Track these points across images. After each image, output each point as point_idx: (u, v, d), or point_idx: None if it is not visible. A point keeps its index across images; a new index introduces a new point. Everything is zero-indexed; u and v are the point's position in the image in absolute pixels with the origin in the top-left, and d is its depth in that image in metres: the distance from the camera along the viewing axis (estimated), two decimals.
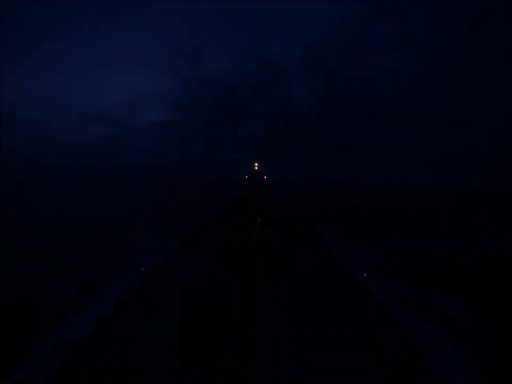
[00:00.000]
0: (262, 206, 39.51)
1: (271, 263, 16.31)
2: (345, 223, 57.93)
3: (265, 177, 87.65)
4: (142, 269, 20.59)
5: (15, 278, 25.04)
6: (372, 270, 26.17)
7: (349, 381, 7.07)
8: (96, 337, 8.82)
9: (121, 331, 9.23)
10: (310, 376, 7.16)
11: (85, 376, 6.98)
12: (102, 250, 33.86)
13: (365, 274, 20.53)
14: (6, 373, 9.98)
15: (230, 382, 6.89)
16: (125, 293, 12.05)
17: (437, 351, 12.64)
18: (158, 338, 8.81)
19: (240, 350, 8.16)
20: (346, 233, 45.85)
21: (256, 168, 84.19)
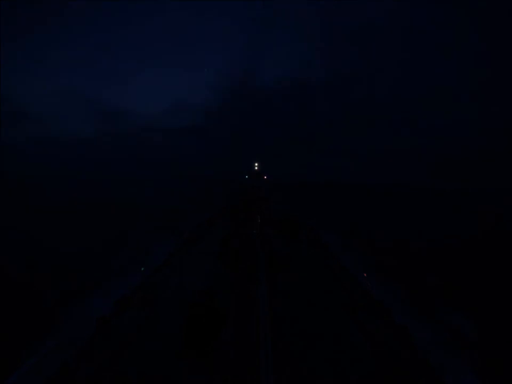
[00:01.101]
0: (262, 206, 39.53)
1: (271, 263, 16.30)
2: (344, 223, 57.90)
3: (265, 177, 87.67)
4: (143, 268, 20.56)
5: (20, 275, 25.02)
6: (371, 270, 26.17)
7: (348, 380, 7.06)
8: (97, 337, 8.81)
9: (122, 331, 9.22)
10: (310, 376, 7.16)
11: (85, 376, 6.98)
12: (102, 250, 33.80)
13: (364, 274, 20.50)
14: (6, 373, 9.98)
15: (230, 382, 6.88)
16: (125, 293, 12.04)
17: (437, 351, 12.64)
18: (159, 338, 8.80)
19: (241, 349, 8.15)
20: (346, 232, 45.85)
21: (256, 168, 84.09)
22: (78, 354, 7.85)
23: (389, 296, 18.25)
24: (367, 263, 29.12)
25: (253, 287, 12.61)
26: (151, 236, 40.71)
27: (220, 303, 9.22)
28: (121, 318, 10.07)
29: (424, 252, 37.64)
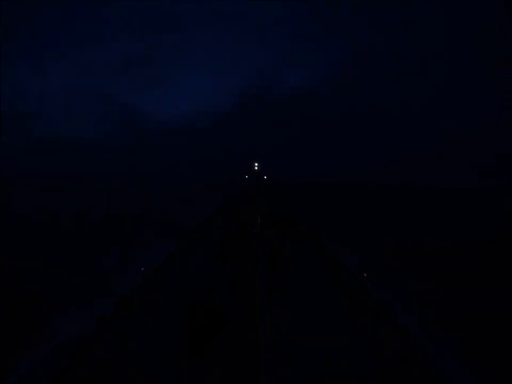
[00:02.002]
0: (262, 206, 39.59)
1: (272, 263, 16.32)
2: (345, 223, 57.94)
3: (265, 177, 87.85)
4: (142, 268, 20.61)
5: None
6: (371, 270, 26.18)
7: (348, 381, 7.07)
8: (96, 338, 8.82)
9: (121, 331, 9.23)
10: (309, 378, 7.16)
11: (85, 376, 6.98)
12: (102, 249, 33.87)
13: (365, 274, 20.53)
14: (5, 372, 9.98)
15: (231, 382, 6.88)
16: (125, 293, 12.05)
17: (437, 351, 12.64)
18: (158, 339, 8.82)
19: (241, 350, 8.16)
20: (346, 232, 45.92)
21: (256, 168, 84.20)
22: (78, 354, 7.84)
23: (390, 297, 18.26)
24: (368, 263, 29.14)
25: (253, 287, 12.62)
26: (150, 235, 40.77)
27: (220, 303, 9.22)
28: (121, 318, 10.08)
29: (425, 252, 37.63)
